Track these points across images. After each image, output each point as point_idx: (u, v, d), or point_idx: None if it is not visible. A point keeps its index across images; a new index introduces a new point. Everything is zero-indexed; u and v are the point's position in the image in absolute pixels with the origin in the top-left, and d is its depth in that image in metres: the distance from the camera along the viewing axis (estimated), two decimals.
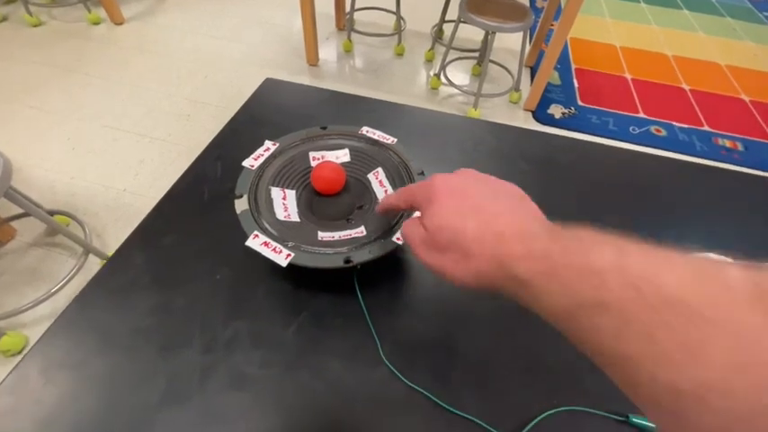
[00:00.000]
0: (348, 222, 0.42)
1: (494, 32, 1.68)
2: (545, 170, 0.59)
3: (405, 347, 0.39)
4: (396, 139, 0.47)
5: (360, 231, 0.39)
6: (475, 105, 1.87)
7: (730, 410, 0.13)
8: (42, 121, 1.68)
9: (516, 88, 1.96)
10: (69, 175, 1.48)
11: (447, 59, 1.95)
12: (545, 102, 2.01)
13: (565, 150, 0.62)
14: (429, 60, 2.22)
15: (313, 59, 2.07)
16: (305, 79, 2.04)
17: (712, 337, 0.14)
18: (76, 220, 1.30)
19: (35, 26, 2.14)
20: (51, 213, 1.28)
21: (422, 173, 0.44)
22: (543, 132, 0.65)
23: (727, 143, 1.91)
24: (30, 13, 2.11)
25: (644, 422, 0.35)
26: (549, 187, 0.56)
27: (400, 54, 2.23)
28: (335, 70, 2.14)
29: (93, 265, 1.20)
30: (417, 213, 0.30)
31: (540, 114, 1.95)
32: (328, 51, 2.23)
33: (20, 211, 1.19)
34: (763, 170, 1.79)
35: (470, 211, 0.26)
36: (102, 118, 1.71)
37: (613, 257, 0.18)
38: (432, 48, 2.22)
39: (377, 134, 0.47)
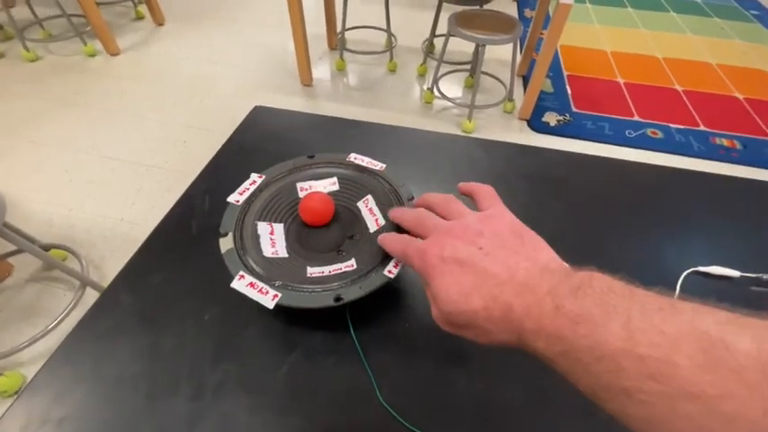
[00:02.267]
0: (339, 254, 0.41)
1: (484, 45, 1.69)
2: (541, 186, 0.58)
3: (402, 385, 0.38)
4: (384, 165, 0.46)
5: (350, 265, 0.38)
6: (469, 117, 1.87)
7: None
8: (40, 154, 1.69)
9: (510, 98, 1.97)
10: (67, 206, 1.48)
11: (439, 73, 1.97)
12: (539, 110, 2.01)
13: (560, 164, 0.61)
14: (421, 75, 2.24)
15: (307, 80, 2.09)
16: (299, 100, 2.05)
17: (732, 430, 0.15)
18: (73, 253, 1.29)
19: (32, 61, 2.17)
20: (48, 248, 1.27)
21: (411, 198, 0.43)
22: (537, 147, 0.65)
23: (725, 142, 1.90)
24: (27, 49, 2.15)
25: None
26: (545, 204, 0.55)
27: (393, 70, 2.25)
28: (329, 89, 2.16)
29: (91, 298, 1.19)
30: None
31: (535, 123, 1.95)
32: (321, 71, 2.25)
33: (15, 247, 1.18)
34: (763, 167, 1.78)
35: (471, 286, 0.24)
36: (100, 148, 1.72)
37: (623, 336, 0.18)
38: (423, 62, 2.24)
39: (365, 161, 0.46)
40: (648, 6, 3.09)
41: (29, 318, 1.16)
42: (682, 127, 1.98)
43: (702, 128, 1.97)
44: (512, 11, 2.92)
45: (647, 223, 0.53)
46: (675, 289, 0.45)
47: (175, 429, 0.35)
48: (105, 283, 1.24)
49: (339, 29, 2.22)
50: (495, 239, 0.27)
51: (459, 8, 1.82)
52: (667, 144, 1.88)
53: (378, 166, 0.46)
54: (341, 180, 0.46)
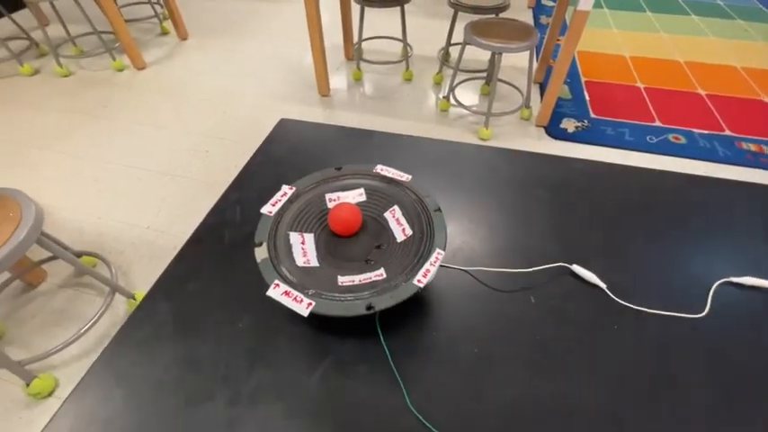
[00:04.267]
0: (367, 264, 0.42)
1: (500, 53, 1.69)
2: (562, 195, 0.58)
3: (431, 392, 0.38)
4: (410, 176, 0.47)
5: (380, 274, 0.39)
6: (486, 125, 1.87)
7: None
8: (71, 166, 1.76)
9: (526, 105, 1.96)
10: (96, 215, 1.54)
11: (455, 81, 1.98)
12: (557, 116, 2.00)
13: (583, 173, 0.61)
14: (437, 83, 2.25)
15: (324, 90, 2.13)
16: (317, 110, 2.09)
17: None
18: (103, 260, 1.34)
19: (65, 76, 2.28)
20: (79, 255, 1.33)
21: (438, 209, 0.43)
22: (559, 156, 0.65)
23: (752, 147, 1.85)
24: (60, 65, 2.26)
25: None
26: (568, 214, 0.55)
27: (409, 79, 2.27)
28: (346, 99, 2.19)
29: (120, 303, 1.23)
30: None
31: (552, 129, 1.94)
32: (339, 81, 2.29)
33: (50, 254, 1.23)
34: None
35: None
36: (127, 159, 1.79)
37: None
38: (439, 71, 2.26)
39: (391, 172, 0.47)
40: (668, 10, 3.04)
41: (61, 322, 1.20)
42: (706, 132, 1.93)
43: (728, 133, 1.92)
44: (527, 18, 2.92)
45: (675, 233, 0.53)
46: (707, 300, 0.45)
47: None
48: (133, 289, 1.28)
49: (356, 39, 2.26)
50: None
51: (476, 17, 1.83)
52: (691, 150, 1.84)
53: (404, 177, 0.47)
54: (368, 191, 0.47)
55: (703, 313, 0.44)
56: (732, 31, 2.78)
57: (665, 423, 0.36)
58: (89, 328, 1.13)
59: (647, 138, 1.90)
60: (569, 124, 1.98)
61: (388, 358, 0.40)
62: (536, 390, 0.38)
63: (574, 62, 2.44)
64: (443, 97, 2.03)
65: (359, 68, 2.25)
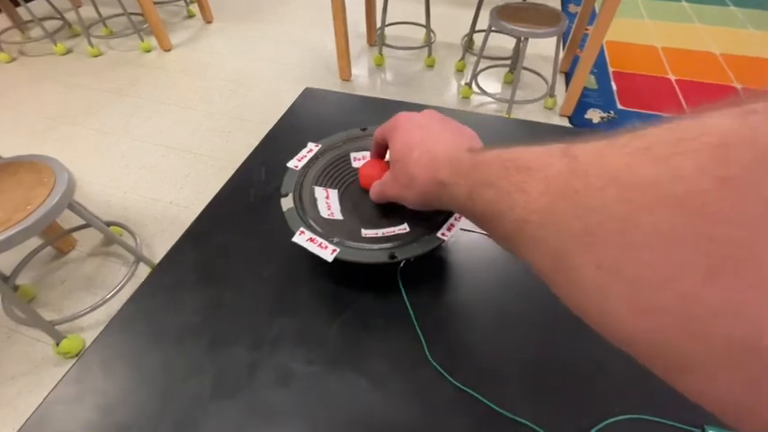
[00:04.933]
0: (389, 220, 0.42)
1: (526, 39, 1.66)
2: None
3: (451, 348, 0.38)
4: None
5: (403, 228, 0.39)
6: (508, 112, 1.84)
7: (541, 226, 0.19)
8: (100, 141, 1.82)
9: (551, 94, 1.92)
10: (123, 189, 1.59)
11: (478, 68, 1.95)
12: (582, 107, 1.95)
13: None
14: (460, 71, 2.22)
15: (346, 75, 2.13)
16: None
17: (532, 179, 0.20)
18: (129, 230, 1.38)
19: (95, 56, 2.35)
20: (107, 225, 1.38)
21: None
22: (583, 129, 0.63)
23: None
24: (91, 45, 2.33)
25: None
26: None
27: (431, 66, 2.25)
28: (368, 84, 2.19)
29: (143, 272, 1.27)
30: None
31: (577, 120, 1.89)
32: (360, 66, 2.29)
33: (80, 223, 1.29)
34: None
35: (418, 142, 0.33)
36: (152, 137, 1.84)
37: (497, 153, 0.25)
38: (462, 58, 2.23)
39: None
40: (705, 0, 2.91)
41: (89, 288, 1.25)
42: None
43: None
44: (556, 5, 2.84)
45: None
46: None
47: (236, 373, 0.37)
48: (155, 260, 1.32)
49: (378, 25, 2.25)
50: (431, 122, 0.35)
51: (502, 2, 1.80)
52: None
53: None
54: None
55: None
56: None
57: None
58: (114, 294, 1.18)
59: None
60: (594, 115, 1.93)
61: (410, 311, 0.40)
62: (558, 352, 0.38)
63: (602, 52, 2.36)
64: (466, 84, 2.01)
65: (381, 54, 2.24)
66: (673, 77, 2.16)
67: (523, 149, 0.23)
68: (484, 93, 2.00)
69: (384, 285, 0.42)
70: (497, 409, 0.34)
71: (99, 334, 0.41)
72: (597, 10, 1.63)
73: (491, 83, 2.15)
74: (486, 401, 0.35)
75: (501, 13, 1.69)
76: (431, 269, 0.44)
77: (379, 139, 0.39)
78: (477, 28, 2.17)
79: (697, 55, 2.33)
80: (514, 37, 1.68)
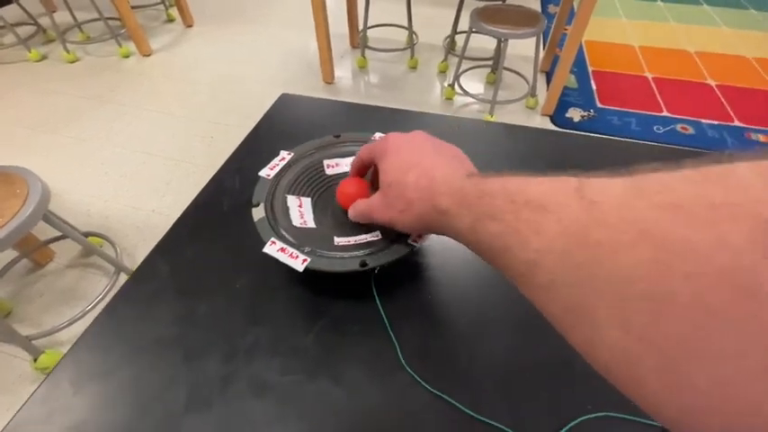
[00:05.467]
0: (362, 226, 0.42)
1: (506, 40, 1.68)
2: (563, 168, 0.57)
3: (425, 353, 0.39)
4: None
5: (375, 235, 0.39)
6: (491, 113, 1.86)
7: (556, 272, 0.18)
8: (79, 150, 1.78)
9: (532, 94, 1.94)
10: (103, 198, 1.56)
11: (461, 69, 1.97)
12: (563, 106, 1.98)
13: (583, 148, 0.61)
14: (443, 72, 2.24)
15: (329, 77, 2.13)
16: (321, 96, 2.09)
17: (545, 219, 0.19)
18: (109, 240, 1.36)
19: (72, 62, 2.30)
20: (86, 235, 1.35)
21: None
22: (560, 131, 0.64)
23: (761, 137, 1.82)
24: (67, 51, 2.27)
25: None
26: None
27: (414, 67, 2.26)
28: (351, 87, 2.19)
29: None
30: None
31: (558, 119, 1.92)
32: (343, 69, 2.28)
33: (57, 234, 1.26)
34: None
35: (413, 165, 0.31)
36: (133, 144, 1.81)
37: (501, 183, 0.24)
38: (445, 59, 2.24)
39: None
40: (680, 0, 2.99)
41: (68, 301, 1.23)
42: (715, 122, 1.90)
43: (737, 123, 1.89)
44: (535, 7, 2.88)
45: None
46: None
47: (210, 386, 0.37)
48: None
49: (361, 27, 2.25)
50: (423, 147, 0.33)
51: (482, 4, 1.81)
52: (699, 140, 1.82)
53: None
54: None
55: None
56: (745, 22, 2.73)
57: None
58: (94, 306, 1.16)
59: (655, 128, 1.88)
60: (575, 113, 1.96)
61: (384, 318, 0.40)
62: (531, 352, 0.39)
63: (581, 51, 2.41)
64: (448, 85, 2.02)
65: (363, 56, 2.24)
66: (650, 75, 2.21)
67: (530, 180, 0.22)
68: (466, 94, 2.02)
69: (359, 292, 0.42)
70: (472, 413, 0.35)
71: (68, 351, 0.40)
72: (575, 9, 1.66)
73: (473, 83, 2.17)
74: (460, 406, 0.35)
75: (481, 15, 1.71)
76: (405, 273, 0.44)
77: (366, 158, 0.37)
78: (458, 29, 2.19)
79: (673, 53, 2.39)
80: (495, 38, 1.70)
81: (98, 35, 2.46)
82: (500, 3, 1.83)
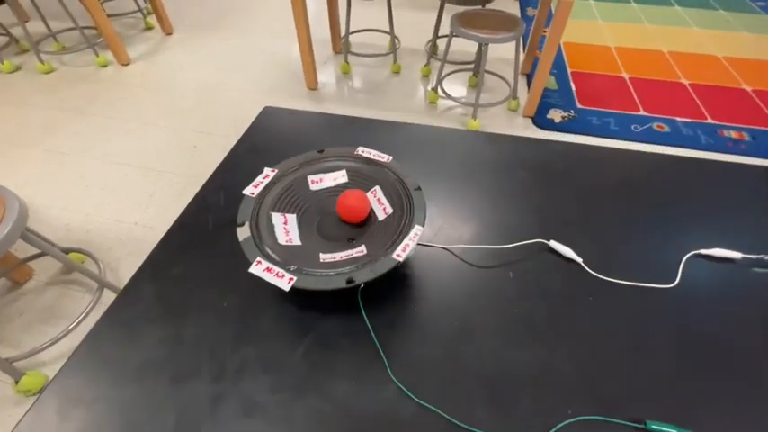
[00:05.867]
0: (350, 242, 0.43)
1: (487, 44, 1.70)
2: (544, 176, 0.59)
3: (412, 364, 0.39)
4: (391, 157, 0.48)
5: (361, 251, 0.40)
6: (474, 116, 1.88)
7: None
8: (57, 163, 1.74)
9: (514, 96, 1.98)
10: (83, 212, 1.53)
11: (443, 73, 1.99)
12: (544, 107, 2.02)
13: (562, 155, 0.63)
14: (425, 76, 2.26)
15: (312, 84, 2.12)
16: (305, 103, 2.08)
17: None
18: (91, 256, 1.33)
19: (47, 73, 2.24)
20: (66, 251, 1.31)
21: (418, 188, 0.44)
22: (540, 139, 0.66)
23: (733, 134, 1.89)
24: (42, 61, 2.22)
25: (662, 427, 0.34)
26: (548, 192, 0.56)
27: (397, 72, 2.27)
28: (335, 92, 2.19)
29: (108, 299, 1.22)
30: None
31: (539, 120, 1.96)
32: (327, 75, 2.28)
33: (36, 251, 1.22)
34: None
35: None
36: (114, 155, 1.77)
37: None
38: (427, 63, 2.26)
39: (372, 153, 0.48)
40: (652, 1, 3.08)
41: (49, 319, 1.19)
42: (689, 120, 1.96)
43: (710, 121, 1.96)
44: (514, 10, 2.93)
45: (649, 209, 0.54)
46: (678, 271, 0.46)
47: (199, 408, 0.37)
48: (122, 285, 1.27)
49: (343, 33, 2.25)
50: None
51: (462, 8, 1.84)
52: (674, 138, 1.87)
53: (384, 158, 0.48)
54: (349, 173, 0.48)
55: (674, 284, 0.45)
56: (714, 22, 2.83)
57: (638, 390, 0.38)
58: (78, 324, 1.13)
59: (632, 127, 1.93)
60: (556, 114, 2.00)
61: (371, 332, 0.41)
62: (514, 360, 0.40)
63: (560, 54, 2.46)
64: (432, 89, 2.04)
65: (347, 62, 2.24)
66: (626, 76, 2.27)
67: None
68: (449, 97, 2.04)
69: (346, 306, 0.42)
70: (459, 423, 0.35)
71: (53, 378, 0.39)
72: (553, 12, 1.69)
73: (456, 87, 2.19)
74: (447, 417, 0.36)
75: (461, 20, 1.73)
76: (391, 286, 0.45)
77: None
78: (439, 33, 2.21)
79: (647, 54, 2.46)
80: (475, 42, 1.73)
81: (74, 45, 2.41)
82: (479, 8, 1.86)
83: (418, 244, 0.47)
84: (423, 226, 0.40)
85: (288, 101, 2.09)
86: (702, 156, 1.80)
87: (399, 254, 0.38)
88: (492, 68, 2.18)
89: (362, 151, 0.49)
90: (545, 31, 2.01)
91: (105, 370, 0.40)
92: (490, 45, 1.70)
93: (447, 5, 2.02)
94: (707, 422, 0.35)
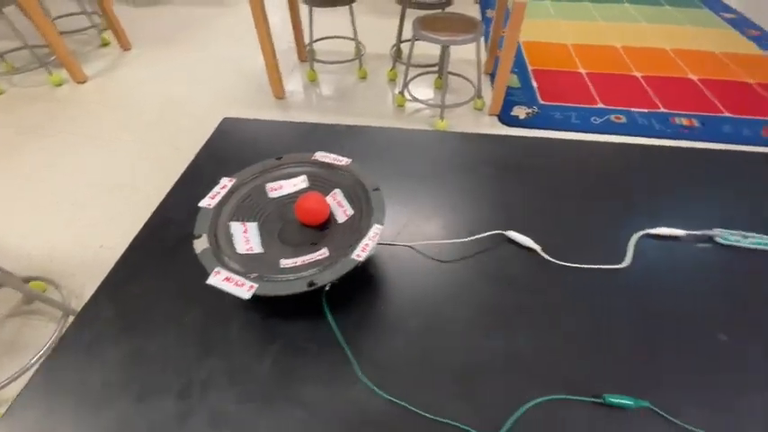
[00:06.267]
0: (312, 246, 0.43)
1: (448, 46, 1.74)
2: (503, 171, 0.61)
3: (381, 362, 0.40)
4: (350, 160, 0.49)
5: (322, 253, 0.40)
6: (441, 116, 1.92)
7: None
8: (13, 187, 1.65)
9: (479, 96, 2.03)
10: (44, 238, 1.46)
11: (409, 77, 2.02)
12: (508, 105, 2.08)
13: (521, 150, 0.65)
14: (392, 80, 2.28)
15: (279, 93, 2.11)
16: (273, 113, 2.07)
17: None
18: (53, 283, 1.27)
19: None
20: (27, 280, 1.25)
21: (377, 188, 0.45)
22: (499, 135, 0.68)
23: (684, 121, 2.00)
24: None
25: (618, 400, 0.36)
26: (507, 186, 0.58)
27: (363, 77, 2.29)
28: (302, 100, 2.18)
29: None
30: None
31: (505, 117, 2.02)
32: (294, 83, 2.28)
33: None
34: (721, 142, 1.87)
35: None
36: (75, 176, 1.70)
37: None
38: (393, 67, 2.29)
39: (330, 157, 0.49)
40: None
41: (9, 353, 1.13)
42: (643, 110, 2.07)
43: (662, 110, 2.07)
44: (475, 12, 3.02)
45: (602, 195, 0.57)
46: (628, 252, 0.49)
47: (167, 425, 0.36)
48: None
49: (308, 41, 2.26)
50: None
51: (422, 12, 1.88)
52: (631, 127, 1.97)
53: (343, 161, 0.48)
54: (309, 177, 0.48)
55: (625, 263, 0.48)
56: (662, 17, 2.99)
57: (596, 367, 0.39)
58: (42, 357, 1.07)
59: (592, 119, 2.02)
60: (520, 111, 2.06)
61: (337, 334, 0.41)
62: (480, 349, 0.41)
63: (521, 52, 2.54)
64: (398, 93, 2.07)
65: (313, 69, 2.24)
66: (584, 71, 2.37)
67: None
68: (416, 100, 2.07)
69: (311, 310, 0.43)
70: (427, 415, 0.36)
71: (4, 412, 0.37)
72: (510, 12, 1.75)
73: (423, 89, 2.23)
74: (417, 410, 0.36)
75: (422, 24, 1.77)
76: (357, 286, 0.45)
77: None
78: (403, 38, 2.24)
79: (602, 49, 2.58)
80: (437, 45, 1.77)
81: (24, 64, 2.30)
82: (440, 11, 1.90)
83: (382, 243, 0.48)
84: (382, 225, 0.41)
85: (255, 111, 2.07)
86: (657, 143, 1.89)
87: (359, 254, 0.38)
88: (457, 69, 2.23)
89: (321, 156, 0.49)
90: (504, 32, 2.08)
91: (65, 397, 0.38)
92: (453, 47, 1.74)
93: (409, 10, 2.05)
94: (661, 392, 0.37)
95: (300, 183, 0.48)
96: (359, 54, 2.27)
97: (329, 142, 0.66)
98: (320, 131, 0.68)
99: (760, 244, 0.47)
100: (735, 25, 2.89)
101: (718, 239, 0.48)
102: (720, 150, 0.65)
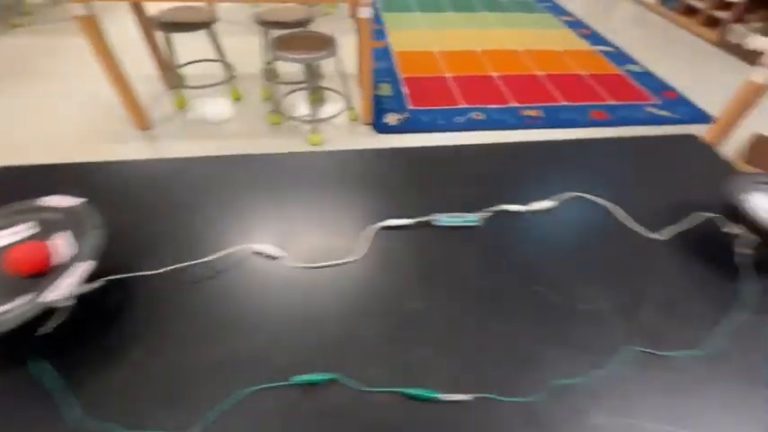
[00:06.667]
0: (28, 292, 0.42)
1: (307, 64, 1.80)
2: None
3: (107, 394, 0.40)
4: (82, 200, 0.49)
5: (26, 299, 0.40)
6: (314, 131, 1.97)
7: None
8: None
9: (349, 107, 2.11)
10: None
11: (282, 93, 2.04)
12: (380, 113, 2.20)
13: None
14: (267, 99, 2.29)
15: (143, 124, 2.00)
16: (139, 144, 1.95)
17: None
18: None
19: None
20: None
21: (99, 227, 0.46)
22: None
23: (532, 113, 2.29)
24: None
25: (305, 378, 0.41)
26: (253, 204, 0.62)
27: (237, 98, 2.26)
28: (174, 129, 2.09)
29: None
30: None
31: (378, 125, 2.13)
32: (162, 111, 2.17)
33: None
34: (559, 128, 2.18)
35: None
36: None
37: None
38: (266, 86, 2.30)
39: (55, 200, 0.48)
40: (464, 8, 3.58)
41: None
42: (499, 106, 2.32)
43: (513, 104, 2.34)
44: (350, 26, 3.14)
45: (344, 197, 0.64)
46: (365, 244, 0.55)
47: None
48: None
49: (173, 66, 2.17)
50: None
51: (278, 32, 1.91)
52: (489, 123, 2.20)
53: (75, 202, 0.48)
54: (39, 224, 0.47)
55: (362, 255, 0.54)
56: (512, 22, 3.39)
57: (306, 355, 0.44)
58: None
59: (455, 119, 2.22)
60: (392, 118, 2.19)
61: (48, 383, 0.41)
62: (190, 357, 0.43)
63: (393, 62, 2.70)
64: (272, 111, 2.08)
65: (182, 95, 2.16)
66: (448, 75, 2.59)
67: None
68: (290, 117, 2.10)
69: (6, 363, 0.42)
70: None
71: None
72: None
73: (297, 105, 2.27)
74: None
75: (278, 44, 1.80)
76: (80, 329, 0.45)
77: None
78: (269, 58, 2.26)
79: (464, 54, 2.85)
80: (296, 63, 1.81)
81: None
82: (296, 30, 1.95)
83: (120, 276, 0.49)
84: (87, 261, 0.42)
85: (116, 145, 1.94)
86: (510, 134, 2.14)
87: (51, 295, 0.39)
88: (331, 83, 2.31)
89: (47, 200, 0.48)
90: (378, 44, 2.20)
91: None
92: (324, 61, 1.80)
93: (271, 30, 2.08)
94: (349, 366, 0.43)
95: (23, 231, 0.47)
96: (230, 75, 2.23)
97: (69, 185, 0.65)
98: (51, 173, 0.67)
99: (459, 222, 0.57)
100: (571, 26, 3.39)
101: (434, 223, 0.57)
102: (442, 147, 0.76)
